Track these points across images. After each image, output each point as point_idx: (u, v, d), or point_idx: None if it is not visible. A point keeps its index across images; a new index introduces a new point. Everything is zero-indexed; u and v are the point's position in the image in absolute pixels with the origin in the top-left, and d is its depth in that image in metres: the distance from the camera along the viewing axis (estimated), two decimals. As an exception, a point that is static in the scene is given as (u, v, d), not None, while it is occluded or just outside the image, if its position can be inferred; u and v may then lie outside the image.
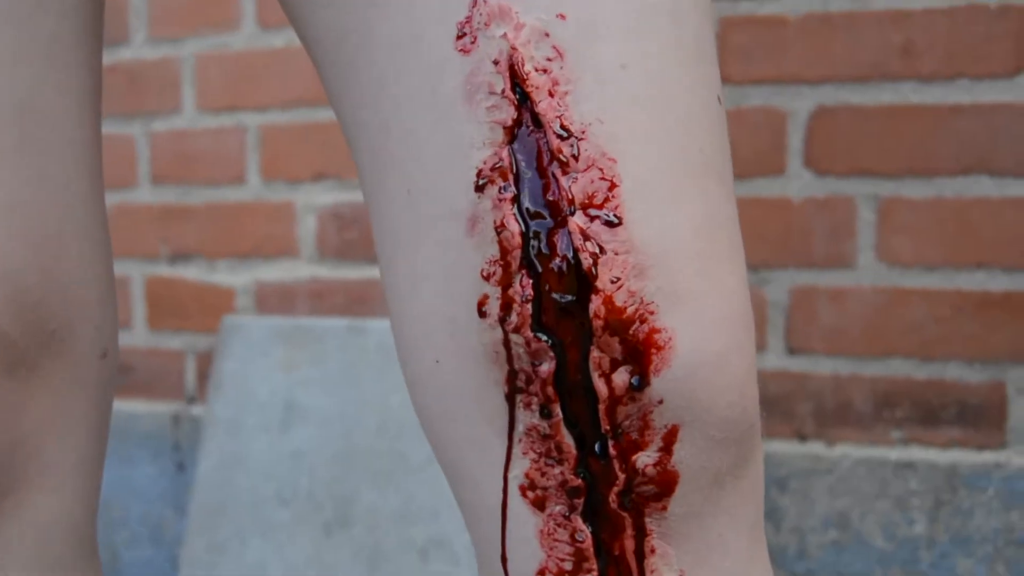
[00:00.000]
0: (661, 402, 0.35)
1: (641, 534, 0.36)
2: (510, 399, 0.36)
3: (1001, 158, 1.14)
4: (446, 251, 0.36)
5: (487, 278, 0.35)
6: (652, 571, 0.36)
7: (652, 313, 0.35)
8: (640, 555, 0.36)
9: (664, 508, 0.36)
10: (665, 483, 0.36)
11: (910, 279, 1.17)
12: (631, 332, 0.35)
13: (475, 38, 0.36)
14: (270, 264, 1.49)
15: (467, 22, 0.36)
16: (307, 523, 1.32)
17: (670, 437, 0.35)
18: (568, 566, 0.36)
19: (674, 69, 0.36)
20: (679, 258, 0.35)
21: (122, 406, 1.54)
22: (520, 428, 0.36)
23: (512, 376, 0.36)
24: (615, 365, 0.35)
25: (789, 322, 1.23)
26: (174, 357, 1.56)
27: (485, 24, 0.35)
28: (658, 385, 0.35)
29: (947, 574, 1.17)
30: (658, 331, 0.35)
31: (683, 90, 0.36)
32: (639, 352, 0.35)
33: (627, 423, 0.35)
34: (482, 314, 0.36)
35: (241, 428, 1.38)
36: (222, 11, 1.49)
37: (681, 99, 0.36)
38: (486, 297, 0.36)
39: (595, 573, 0.36)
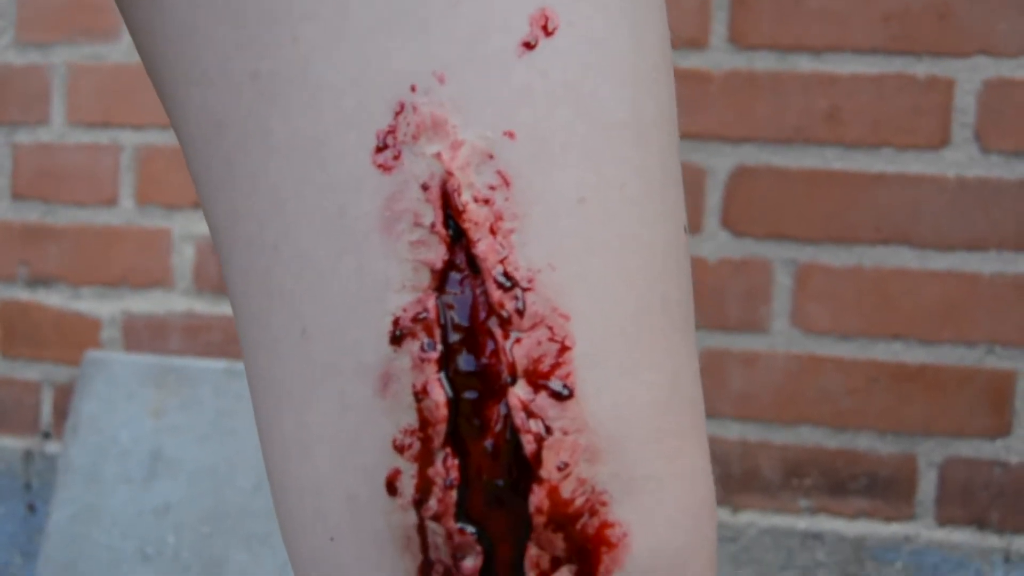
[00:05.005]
0: None
1: None
2: None
3: (922, 230, 1.15)
4: (347, 412, 0.30)
5: (400, 450, 0.30)
6: None
7: (604, 504, 0.30)
8: None
9: None
10: None
11: (824, 347, 1.18)
12: (578, 527, 0.30)
13: (399, 153, 0.29)
14: (140, 295, 1.41)
15: (390, 132, 0.29)
16: (172, 586, 1.24)
17: None
18: None
19: (637, 202, 0.30)
20: (637, 438, 0.30)
21: (-33, 442, 1.45)
22: None
23: (427, 567, 0.30)
24: (556, 564, 0.30)
25: (697, 384, 1.21)
26: (29, 388, 1.47)
27: (413, 137, 0.29)
28: None
29: (848, 649, 1.17)
30: (610, 525, 0.30)
31: (646, 227, 0.31)
32: (586, 551, 0.30)
33: None
34: (392, 491, 0.30)
35: (100, 477, 1.30)
36: (100, 18, 1.42)
37: (644, 239, 0.31)
38: (398, 472, 0.30)
39: None
